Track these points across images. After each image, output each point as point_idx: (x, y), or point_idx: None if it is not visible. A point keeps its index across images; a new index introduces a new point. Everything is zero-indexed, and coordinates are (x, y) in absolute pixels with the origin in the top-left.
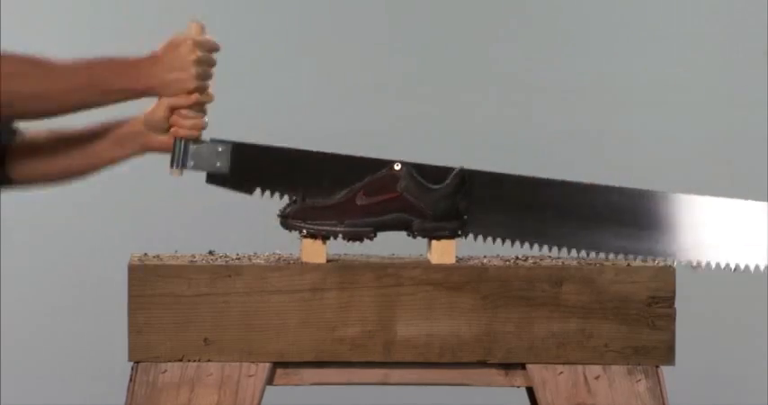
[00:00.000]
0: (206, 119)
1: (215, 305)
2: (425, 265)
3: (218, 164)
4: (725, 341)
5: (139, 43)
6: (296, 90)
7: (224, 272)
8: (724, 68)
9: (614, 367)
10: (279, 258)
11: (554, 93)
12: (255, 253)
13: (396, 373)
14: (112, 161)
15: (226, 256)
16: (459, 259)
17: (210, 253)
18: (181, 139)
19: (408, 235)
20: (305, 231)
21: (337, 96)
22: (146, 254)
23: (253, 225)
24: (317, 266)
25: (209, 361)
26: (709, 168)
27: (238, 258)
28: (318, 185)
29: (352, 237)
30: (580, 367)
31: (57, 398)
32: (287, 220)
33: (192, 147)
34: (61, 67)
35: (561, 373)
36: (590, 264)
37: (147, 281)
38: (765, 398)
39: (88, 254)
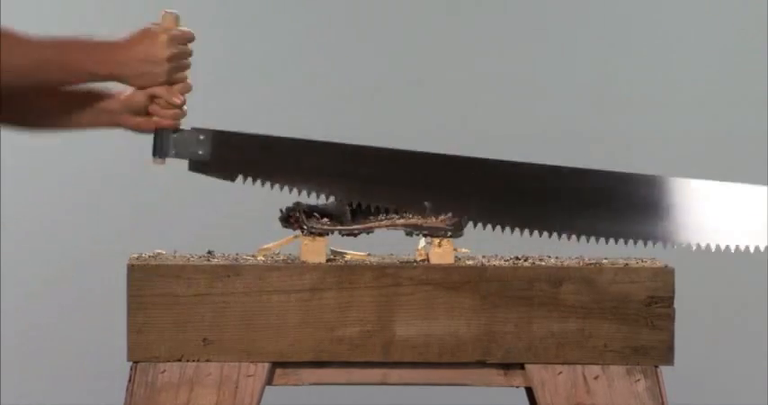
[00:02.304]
0: (185, 107)
1: (214, 305)
2: (424, 265)
3: (200, 152)
4: (724, 341)
5: None
6: (295, 90)
7: (223, 272)
8: (724, 68)
9: (613, 367)
10: (278, 258)
11: (554, 93)
12: (255, 253)
13: (395, 373)
14: (83, 127)
15: (225, 257)
16: (458, 259)
17: (210, 253)
18: (162, 128)
19: (407, 234)
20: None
21: (336, 96)
22: (145, 254)
23: (253, 225)
24: (316, 266)
25: (208, 361)
26: (710, 168)
27: (237, 258)
28: (299, 172)
29: (349, 233)
30: (579, 367)
31: (56, 398)
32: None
33: (173, 136)
34: (28, 42)
35: (560, 373)
36: (589, 264)
37: (146, 281)
38: (765, 398)
39: (88, 254)
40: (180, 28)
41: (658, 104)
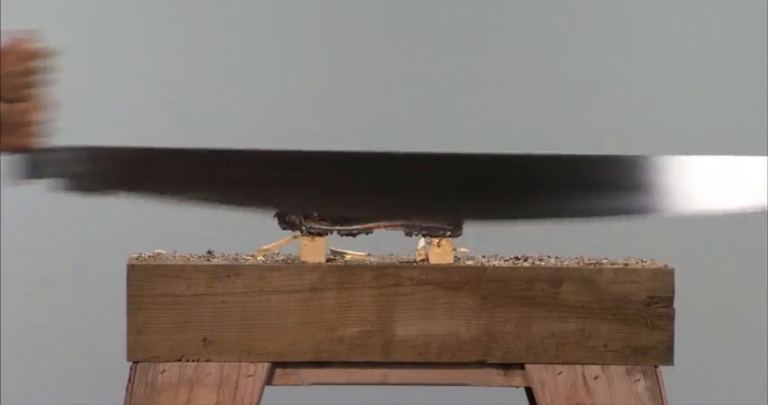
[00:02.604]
0: (49, 125)
1: (214, 305)
2: (424, 265)
3: (75, 170)
4: (724, 341)
5: (138, 42)
6: (295, 90)
7: (223, 272)
8: (725, 68)
9: (613, 367)
10: (278, 258)
11: (554, 93)
12: (254, 253)
13: (395, 373)
14: None
15: (225, 257)
16: (457, 259)
17: (209, 253)
18: (26, 148)
19: (407, 234)
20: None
21: (336, 96)
22: (145, 254)
23: (252, 225)
24: (315, 266)
25: (207, 361)
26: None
27: (237, 258)
28: (179, 182)
29: (348, 233)
30: (579, 367)
31: (56, 398)
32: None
33: (39, 155)
34: None
35: (560, 373)
36: (589, 264)
37: (146, 281)
38: (765, 398)
39: (88, 254)
40: (25, 44)
41: (658, 104)
